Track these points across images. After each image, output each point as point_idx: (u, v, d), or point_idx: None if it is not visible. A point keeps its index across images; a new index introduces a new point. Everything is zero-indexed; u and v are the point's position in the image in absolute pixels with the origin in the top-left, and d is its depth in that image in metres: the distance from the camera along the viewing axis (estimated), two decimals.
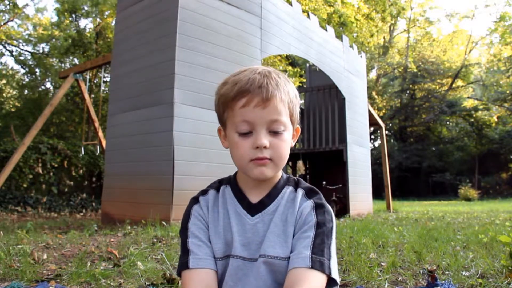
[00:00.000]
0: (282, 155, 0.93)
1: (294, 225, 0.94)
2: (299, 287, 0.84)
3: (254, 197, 0.98)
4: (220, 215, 0.98)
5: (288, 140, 0.94)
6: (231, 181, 1.03)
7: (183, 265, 0.94)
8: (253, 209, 0.97)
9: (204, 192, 1.03)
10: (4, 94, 19.27)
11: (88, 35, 16.40)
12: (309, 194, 0.99)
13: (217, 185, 1.04)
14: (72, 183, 9.09)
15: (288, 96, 0.94)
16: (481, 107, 27.92)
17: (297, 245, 0.91)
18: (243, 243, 0.95)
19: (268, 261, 0.92)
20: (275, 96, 0.90)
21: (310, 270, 0.87)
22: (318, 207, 0.95)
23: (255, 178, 0.94)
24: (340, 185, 7.98)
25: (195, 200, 1.02)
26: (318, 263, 0.87)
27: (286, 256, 0.91)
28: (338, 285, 0.93)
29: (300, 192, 0.99)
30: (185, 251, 0.95)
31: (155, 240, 3.13)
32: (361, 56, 9.29)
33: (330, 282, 0.90)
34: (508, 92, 27.09)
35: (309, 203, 0.96)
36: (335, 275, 0.91)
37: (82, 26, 17.78)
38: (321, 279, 0.88)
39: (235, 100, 0.91)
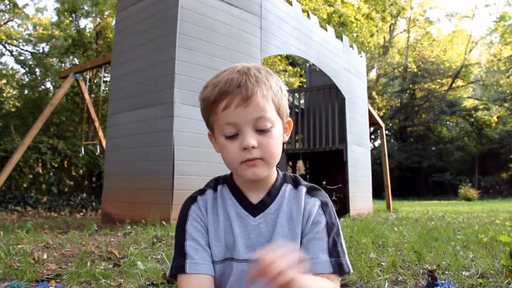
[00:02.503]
0: (273, 153, 0.90)
1: (302, 224, 0.93)
2: None
3: (254, 197, 0.96)
4: (220, 217, 0.95)
5: (277, 136, 0.91)
6: (228, 180, 1.00)
7: (179, 269, 0.91)
8: (255, 209, 0.95)
9: (202, 192, 1.00)
10: (4, 94, 19.27)
11: (88, 35, 16.41)
12: (311, 191, 0.97)
13: (214, 184, 1.01)
14: (72, 183, 9.09)
15: (271, 91, 0.90)
16: (481, 107, 27.93)
17: (311, 247, 0.91)
18: (247, 245, 0.93)
19: None
20: (256, 93, 0.87)
21: (331, 275, 0.90)
22: (324, 205, 0.95)
23: (248, 179, 0.92)
24: (340, 185, 7.98)
25: (192, 200, 0.99)
26: (337, 266, 0.90)
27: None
28: (350, 272, 0.95)
29: (303, 189, 0.97)
30: (181, 254, 0.92)
31: (155, 240, 3.13)
32: (361, 56, 9.29)
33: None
34: (508, 92, 27.09)
35: (316, 201, 0.95)
36: (350, 268, 0.94)
37: (82, 26, 17.79)
38: (338, 279, 0.92)
39: (216, 103, 0.88)
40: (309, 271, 0.87)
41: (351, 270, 0.94)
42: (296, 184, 0.99)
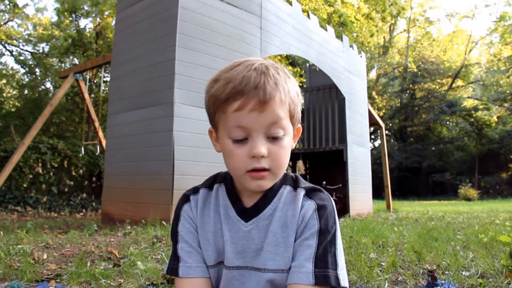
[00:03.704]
0: (282, 164, 0.83)
1: (296, 231, 0.86)
2: None
3: (249, 200, 0.89)
4: (210, 219, 0.90)
5: (288, 146, 0.84)
6: (227, 179, 0.93)
7: (173, 271, 0.89)
8: (247, 213, 0.88)
9: (195, 191, 0.95)
10: (4, 94, 19.26)
11: (88, 35, 16.40)
12: (310, 193, 0.88)
13: (210, 182, 0.96)
14: (72, 183, 9.09)
15: (289, 96, 0.82)
16: (481, 107, 27.95)
17: (298, 254, 0.84)
18: (237, 251, 0.87)
19: (269, 277, 0.86)
20: (274, 97, 0.78)
21: (313, 287, 0.81)
22: (321, 209, 0.85)
23: (252, 190, 0.86)
24: (340, 185, 7.98)
25: (185, 199, 0.94)
26: (322, 277, 0.81)
27: (288, 268, 0.85)
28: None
29: (301, 192, 0.88)
30: (175, 257, 0.90)
31: (155, 240, 3.13)
32: (361, 56, 9.29)
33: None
34: (508, 92, 27.10)
35: (311, 205, 0.86)
36: (345, 283, 0.84)
37: (82, 26, 17.80)
38: None
39: (228, 102, 0.79)
40: (290, 281, 0.83)
41: (343, 285, 0.84)
42: (295, 186, 0.91)
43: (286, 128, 0.82)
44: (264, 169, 0.81)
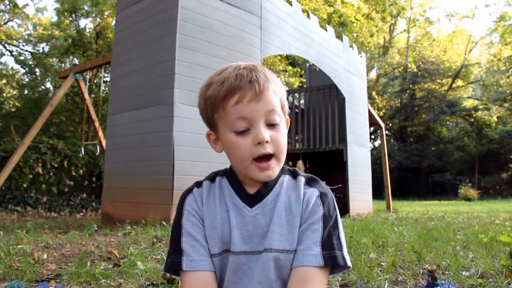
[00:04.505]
0: (283, 148, 0.90)
1: (301, 215, 0.91)
2: (312, 286, 0.84)
3: (251, 188, 0.94)
4: (216, 207, 0.94)
5: (284, 132, 0.92)
6: (228, 172, 0.99)
7: (175, 265, 0.90)
8: (251, 200, 0.92)
9: (198, 184, 1.00)
10: (4, 94, 19.26)
11: (88, 35, 16.40)
12: (310, 182, 0.95)
13: (212, 176, 1.01)
14: (72, 183, 9.09)
15: (278, 88, 0.92)
16: (481, 107, 27.93)
17: (305, 238, 0.89)
18: (244, 237, 0.90)
19: (274, 255, 0.89)
20: (268, 88, 0.88)
21: (321, 268, 0.86)
22: (323, 196, 0.92)
23: (260, 180, 0.91)
24: (340, 185, 7.97)
25: (188, 191, 0.98)
26: (330, 259, 0.86)
27: (293, 249, 0.89)
28: (350, 267, 0.91)
29: (302, 179, 0.95)
30: (177, 250, 0.91)
31: (155, 240, 3.13)
32: (361, 56, 9.29)
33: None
34: (508, 92, 27.09)
35: (314, 191, 0.92)
36: (350, 263, 0.90)
37: (82, 26, 17.80)
38: (328, 273, 0.89)
39: (227, 98, 0.86)
40: (299, 263, 0.87)
41: (349, 264, 0.90)
42: (294, 175, 0.97)
43: (281, 116, 0.91)
44: (269, 155, 0.88)
